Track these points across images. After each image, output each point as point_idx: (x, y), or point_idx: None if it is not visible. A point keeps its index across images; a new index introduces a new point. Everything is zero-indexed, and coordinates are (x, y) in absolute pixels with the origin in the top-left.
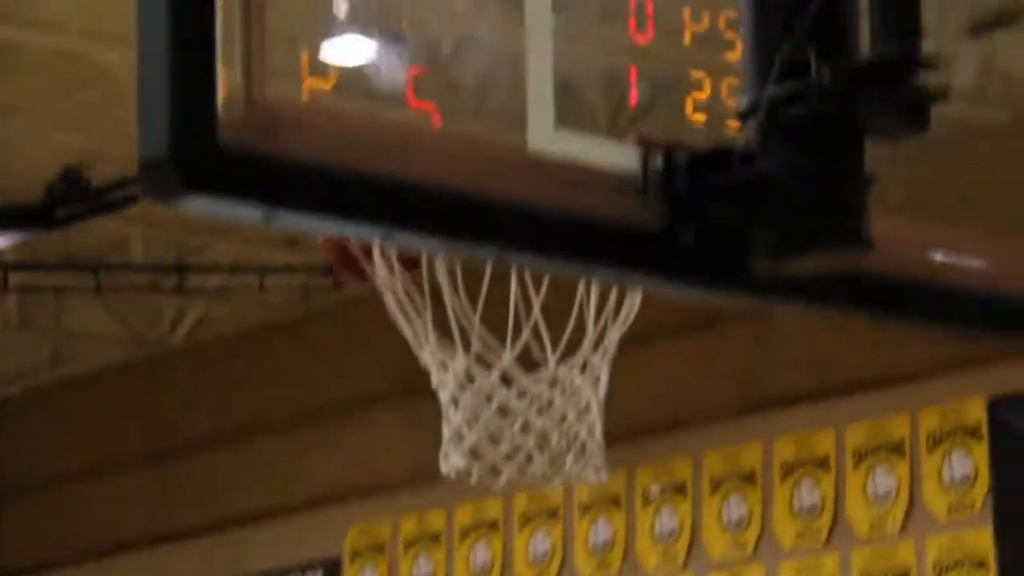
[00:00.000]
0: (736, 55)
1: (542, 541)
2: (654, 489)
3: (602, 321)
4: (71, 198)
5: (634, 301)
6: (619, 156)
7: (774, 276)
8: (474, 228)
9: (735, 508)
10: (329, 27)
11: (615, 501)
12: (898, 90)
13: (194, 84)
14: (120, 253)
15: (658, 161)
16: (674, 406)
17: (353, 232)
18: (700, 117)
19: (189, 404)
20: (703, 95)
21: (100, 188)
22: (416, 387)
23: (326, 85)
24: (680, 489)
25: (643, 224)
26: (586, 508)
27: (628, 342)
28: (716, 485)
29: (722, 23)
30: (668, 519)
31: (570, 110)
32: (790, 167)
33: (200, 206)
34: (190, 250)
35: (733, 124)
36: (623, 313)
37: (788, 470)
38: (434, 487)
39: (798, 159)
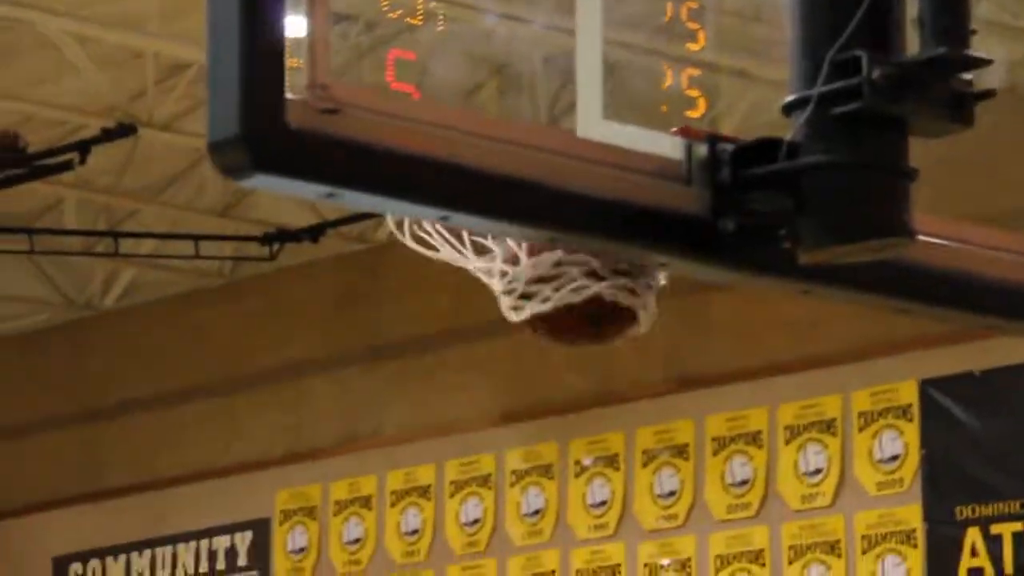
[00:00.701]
0: (697, 46)
1: (474, 508)
2: (587, 460)
3: None
4: (6, 163)
5: None
6: (664, 145)
7: (817, 264)
8: (526, 210)
9: (667, 481)
10: None
11: (547, 470)
12: (945, 89)
13: (263, 68)
14: (53, 217)
15: (702, 151)
16: (608, 381)
17: (410, 212)
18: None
19: (118, 367)
20: (664, 85)
21: (35, 153)
22: (346, 356)
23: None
24: (612, 461)
25: (687, 210)
26: (518, 476)
27: None
28: (649, 458)
29: (684, 14)
30: (600, 490)
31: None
32: (839, 159)
33: (267, 184)
34: (123, 216)
35: (691, 115)
36: None
37: (721, 445)
38: (364, 455)
39: (846, 152)
